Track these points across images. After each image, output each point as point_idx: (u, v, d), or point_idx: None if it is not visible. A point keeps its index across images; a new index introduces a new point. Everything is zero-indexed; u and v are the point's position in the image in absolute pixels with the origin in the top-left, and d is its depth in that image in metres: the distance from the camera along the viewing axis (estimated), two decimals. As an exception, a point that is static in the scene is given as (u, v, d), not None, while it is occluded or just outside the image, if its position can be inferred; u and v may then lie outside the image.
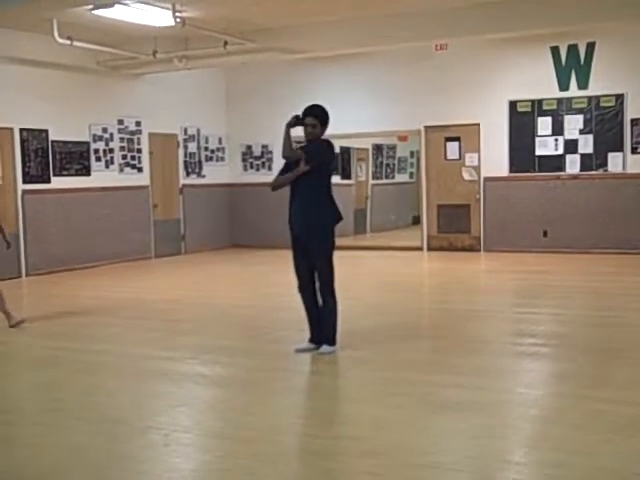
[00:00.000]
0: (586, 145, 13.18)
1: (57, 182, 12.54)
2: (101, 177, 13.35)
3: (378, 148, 18.99)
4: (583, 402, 5.03)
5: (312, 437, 4.65)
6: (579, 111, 13.18)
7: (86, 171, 13.09)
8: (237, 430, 4.75)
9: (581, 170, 13.25)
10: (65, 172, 12.69)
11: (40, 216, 12.22)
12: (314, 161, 6.37)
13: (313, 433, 4.73)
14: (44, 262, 12.20)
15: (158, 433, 4.64)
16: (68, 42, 11.09)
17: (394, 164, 20.04)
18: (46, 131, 12.33)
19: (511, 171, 13.76)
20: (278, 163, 15.59)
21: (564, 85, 13.23)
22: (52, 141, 12.43)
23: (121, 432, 4.71)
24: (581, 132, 13.20)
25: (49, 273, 12.14)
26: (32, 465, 4.24)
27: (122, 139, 13.80)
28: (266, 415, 5.00)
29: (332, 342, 6.50)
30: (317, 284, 6.49)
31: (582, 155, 13.22)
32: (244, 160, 16.12)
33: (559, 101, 13.29)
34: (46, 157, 12.37)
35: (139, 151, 14.14)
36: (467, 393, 5.30)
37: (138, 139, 14.11)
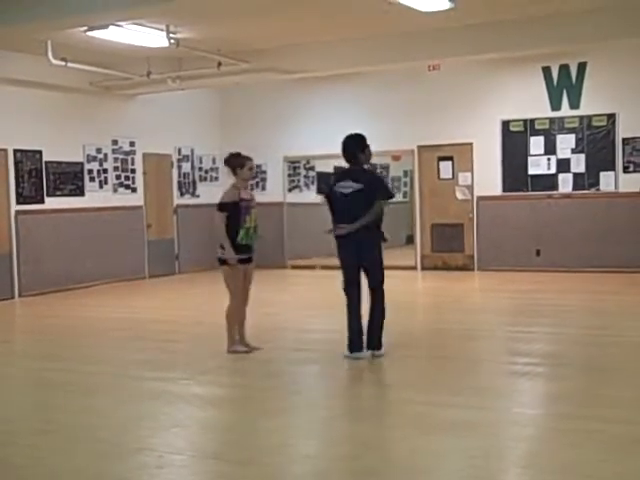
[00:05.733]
0: (578, 164, 13.24)
1: (51, 202, 12.54)
2: (95, 197, 13.35)
3: (372, 167, 19.00)
4: (578, 421, 5.02)
5: (306, 457, 4.62)
6: (571, 130, 13.25)
7: (80, 191, 13.09)
8: (232, 451, 4.73)
9: (573, 189, 13.30)
10: (59, 192, 12.68)
11: (34, 237, 12.19)
12: None
13: (307, 453, 4.71)
14: (37, 283, 12.16)
15: (152, 455, 4.62)
16: (62, 63, 11.12)
17: (387, 183, 20.07)
18: (40, 152, 12.34)
19: (504, 190, 13.81)
20: (271, 183, 15.74)
21: (556, 105, 13.30)
22: (46, 162, 12.44)
23: (115, 453, 4.68)
24: (573, 151, 13.26)
25: (42, 294, 12.10)
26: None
27: (116, 159, 13.81)
28: (261, 435, 4.98)
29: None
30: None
31: (574, 174, 13.27)
32: (238, 180, 16.11)
33: (551, 121, 13.36)
34: (40, 178, 12.36)
35: (133, 171, 14.15)
36: (462, 412, 5.29)
37: (132, 159, 14.12)
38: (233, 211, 7.08)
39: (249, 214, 7.15)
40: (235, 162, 7.33)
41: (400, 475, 4.18)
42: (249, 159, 7.40)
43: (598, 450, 4.45)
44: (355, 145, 7.08)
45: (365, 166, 7.16)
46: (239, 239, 7.08)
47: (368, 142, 7.15)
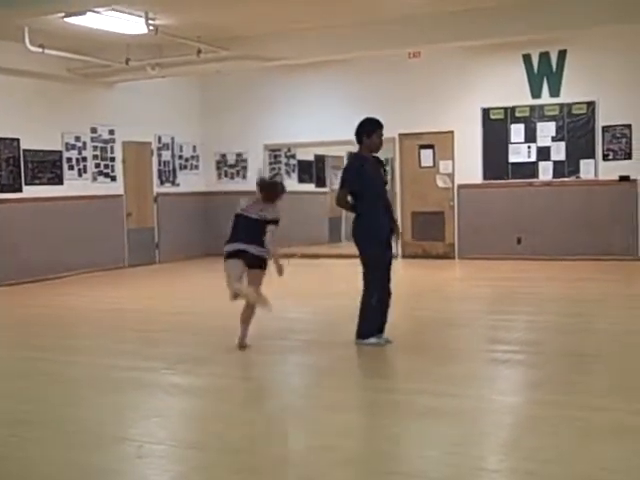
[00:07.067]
0: (558, 152, 13.29)
1: (29, 191, 12.42)
2: (74, 186, 13.24)
3: (352, 156, 18.98)
4: (557, 409, 5.04)
5: (286, 447, 4.62)
6: (551, 118, 13.29)
7: (59, 180, 12.98)
8: (212, 441, 4.71)
9: (554, 177, 13.36)
10: (37, 181, 12.57)
11: (12, 225, 12.08)
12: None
13: (287, 443, 4.71)
14: (15, 272, 12.04)
15: (131, 445, 4.59)
16: (40, 50, 11.00)
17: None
18: (17, 140, 12.21)
19: (485, 178, 13.84)
20: (252, 171, 15.69)
21: (536, 92, 13.34)
22: (24, 150, 12.31)
23: (94, 444, 4.65)
24: (553, 139, 13.31)
25: (21, 283, 11.99)
26: (7, 478, 4.18)
27: (95, 147, 13.70)
28: (241, 425, 4.96)
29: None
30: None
31: (555, 162, 13.33)
32: (218, 168, 16.08)
33: (532, 108, 13.40)
34: (18, 166, 12.24)
35: (112, 159, 14.04)
36: (442, 400, 5.30)
37: (111, 147, 14.02)
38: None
39: None
40: (272, 192, 7.02)
41: (379, 463, 4.18)
42: (278, 185, 7.13)
43: (577, 437, 4.48)
44: (360, 128, 7.08)
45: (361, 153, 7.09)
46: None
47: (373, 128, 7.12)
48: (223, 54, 11.98)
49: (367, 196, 6.85)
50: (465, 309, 9.37)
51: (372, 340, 6.89)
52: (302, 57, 12.45)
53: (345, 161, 18.66)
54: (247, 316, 7.02)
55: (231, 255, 6.95)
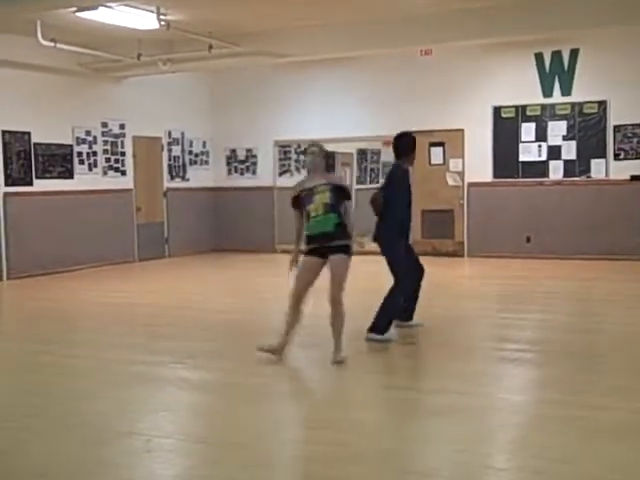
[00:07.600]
0: (569, 151, 13.24)
1: (40, 185, 12.45)
2: (84, 180, 13.27)
3: (362, 153, 18.98)
4: (565, 408, 5.04)
5: (296, 442, 4.63)
6: (562, 117, 13.24)
7: (69, 174, 13.01)
8: (220, 436, 4.72)
9: (564, 176, 13.31)
10: (48, 175, 12.60)
11: (22, 219, 12.11)
12: None
13: (297, 438, 4.71)
14: (26, 265, 12.09)
15: (140, 439, 4.60)
16: (52, 44, 11.02)
17: (378, 169, 20.03)
18: (28, 133, 12.24)
19: (495, 177, 13.80)
20: (262, 167, 15.71)
21: (548, 91, 13.29)
22: (34, 143, 12.34)
23: (102, 438, 4.67)
24: (564, 138, 13.26)
25: (31, 276, 12.04)
26: (13, 472, 4.19)
27: (106, 142, 13.72)
28: (250, 420, 4.97)
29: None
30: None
31: (565, 161, 13.27)
32: (228, 164, 16.09)
33: (543, 107, 13.35)
34: (28, 159, 12.27)
35: (123, 154, 14.06)
36: (450, 398, 5.29)
37: (122, 142, 14.04)
38: (298, 205, 6.51)
39: (312, 202, 6.40)
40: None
41: (387, 460, 4.18)
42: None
43: (584, 437, 4.47)
44: (401, 143, 7.65)
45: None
46: (305, 230, 6.48)
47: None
48: (234, 50, 11.97)
49: (399, 203, 7.17)
50: (474, 307, 9.35)
51: (384, 336, 6.92)
52: (313, 54, 12.44)
53: (355, 157, 18.79)
54: (294, 321, 6.43)
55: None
